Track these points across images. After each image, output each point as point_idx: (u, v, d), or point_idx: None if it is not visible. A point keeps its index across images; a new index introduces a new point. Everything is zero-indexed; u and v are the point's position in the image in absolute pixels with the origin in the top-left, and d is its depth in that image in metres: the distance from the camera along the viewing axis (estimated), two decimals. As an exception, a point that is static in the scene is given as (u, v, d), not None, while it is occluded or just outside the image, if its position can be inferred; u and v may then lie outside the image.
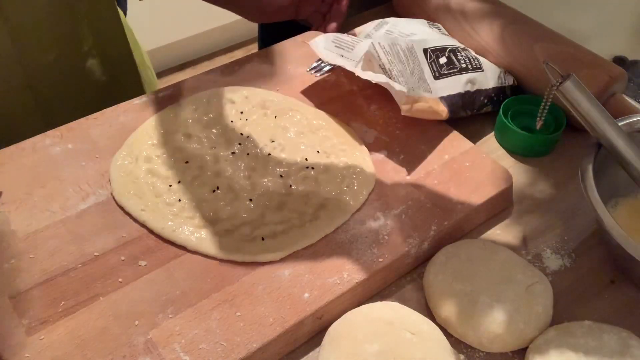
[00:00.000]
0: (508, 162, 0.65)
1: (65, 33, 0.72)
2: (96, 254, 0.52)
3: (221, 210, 0.55)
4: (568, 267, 0.56)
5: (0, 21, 0.65)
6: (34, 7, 0.68)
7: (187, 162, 0.59)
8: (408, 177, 0.60)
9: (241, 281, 0.51)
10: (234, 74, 0.71)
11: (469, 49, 0.71)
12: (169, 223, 0.54)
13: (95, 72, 0.74)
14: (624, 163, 0.55)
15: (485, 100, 0.68)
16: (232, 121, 0.64)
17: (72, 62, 0.73)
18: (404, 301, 0.52)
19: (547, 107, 0.59)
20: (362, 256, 0.53)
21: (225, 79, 0.70)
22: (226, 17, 0.82)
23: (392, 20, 0.75)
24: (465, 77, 0.67)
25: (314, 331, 0.50)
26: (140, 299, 0.49)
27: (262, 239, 0.53)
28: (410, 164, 0.61)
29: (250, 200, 0.56)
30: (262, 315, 0.48)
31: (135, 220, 0.55)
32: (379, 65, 0.61)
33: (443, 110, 0.64)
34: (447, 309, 0.50)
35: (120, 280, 0.50)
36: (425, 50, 0.66)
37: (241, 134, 0.63)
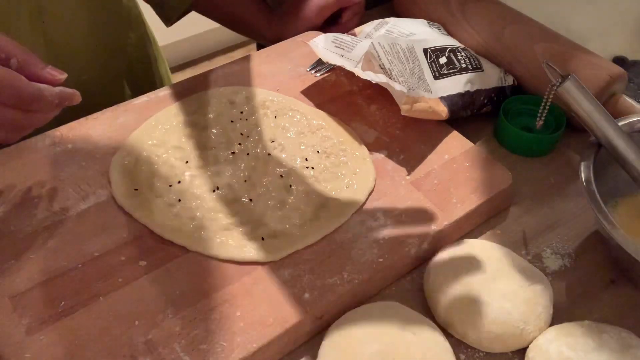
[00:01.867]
0: (508, 162, 0.65)
1: (102, 58, 0.74)
2: (96, 254, 0.52)
3: (221, 210, 0.55)
4: (568, 267, 0.56)
5: (42, 40, 0.67)
6: (75, 31, 0.69)
7: (187, 162, 0.59)
8: (408, 177, 0.60)
9: (241, 281, 0.51)
10: (234, 74, 0.71)
11: (469, 49, 0.71)
12: (169, 223, 0.54)
13: (120, 90, 0.75)
14: (624, 163, 0.55)
15: (485, 100, 0.68)
16: (232, 121, 0.64)
17: (103, 82, 0.75)
18: (404, 301, 0.52)
19: (547, 107, 0.59)
20: (362, 256, 0.53)
21: (225, 79, 0.70)
22: (226, 17, 0.83)
23: (392, 20, 0.75)
24: (465, 77, 0.67)
25: (314, 331, 0.50)
26: (140, 299, 0.49)
27: (262, 239, 0.53)
28: (410, 164, 0.61)
29: (250, 200, 0.56)
30: (262, 315, 0.48)
31: (135, 220, 0.55)
32: (379, 65, 0.61)
33: (443, 110, 0.63)
34: (447, 309, 0.50)
35: (120, 280, 0.50)
36: (425, 50, 0.66)
37: (241, 134, 0.63)
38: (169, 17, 0.81)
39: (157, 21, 0.84)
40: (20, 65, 0.47)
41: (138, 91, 0.68)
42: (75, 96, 0.50)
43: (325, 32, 0.73)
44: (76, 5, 0.68)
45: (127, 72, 0.79)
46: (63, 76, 0.49)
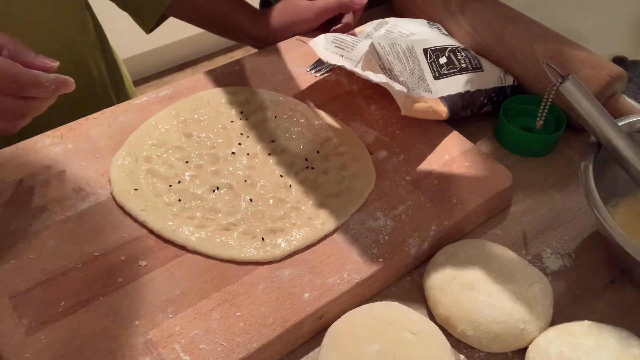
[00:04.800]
0: (508, 162, 0.65)
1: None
2: (96, 254, 0.52)
3: (221, 210, 0.55)
4: (568, 267, 0.56)
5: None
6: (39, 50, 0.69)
7: (187, 162, 0.59)
8: (408, 177, 0.60)
9: (241, 281, 0.51)
10: (234, 74, 0.71)
11: (469, 49, 0.71)
12: (169, 223, 0.54)
13: (82, 108, 0.74)
14: (624, 163, 0.55)
15: (485, 100, 0.68)
16: (232, 121, 0.64)
17: (65, 100, 0.74)
18: (404, 301, 0.52)
19: (547, 107, 0.59)
20: (362, 256, 0.53)
21: (225, 79, 0.70)
22: (226, 17, 0.82)
23: (392, 20, 0.75)
24: (465, 77, 0.67)
25: (314, 331, 0.50)
26: (140, 299, 0.49)
27: (262, 239, 0.53)
28: (410, 164, 0.61)
29: (250, 200, 0.56)
30: (262, 315, 0.48)
31: (135, 220, 0.55)
32: (379, 65, 0.61)
33: (443, 110, 0.63)
34: (447, 309, 0.50)
35: (120, 280, 0.50)
36: (425, 50, 0.66)
37: (241, 134, 0.63)
38: (147, 24, 0.81)
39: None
40: (12, 55, 0.47)
41: (100, 108, 0.67)
42: (70, 82, 0.50)
43: (323, 32, 0.73)
44: (40, 27, 0.68)
45: (90, 91, 0.79)
46: (55, 63, 0.49)
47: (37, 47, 0.51)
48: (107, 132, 0.63)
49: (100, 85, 0.80)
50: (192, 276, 0.51)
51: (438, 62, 0.66)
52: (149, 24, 0.81)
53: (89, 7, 0.79)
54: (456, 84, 0.66)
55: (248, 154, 0.61)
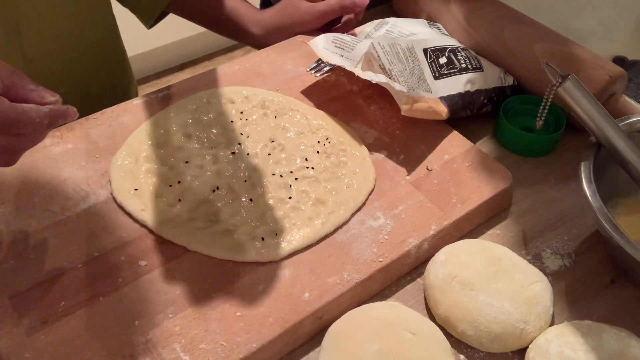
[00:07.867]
0: (508, 162, 0.65)
1: (80, 71, 0.73)
2: (96, 254, 0.52)
3: (221, 210, 0.55)
4: (568, 267, 0.56)
5: (20, 57, 0.66)
6: (53, 46, 0.69)
7: (187, 162, 0.59)
8: (408, 177, 0.60)
9: (241, 281, 0.51)
10: (234, 74, 0.71)
11: (469, 49, 0.71)
12: (169, 223, 0.54)
13: (98, 101, 0.73)
14: (624, 163, 0.55)
15: (485, 100, 0.68)
16: (232, 121, 0.64)
17: (82, 94, 0.73)
18: (404, 301, 0.52)
19: (547, 107, 0.59)
20: (362, 256, 0.53)
21: (225, 79, 0.70)
22: (226, 17, 0.82)
23: (392, 20, 0.75)
24: (465, 77, 0.67)
25: (314, 331, 0.50)
26: (140, 299, 0.49)
27: (262, 239, 0.53)
28: (410, 164, 0.61)
29: (251, 200, 0.56)
30: (262, 315, 0.48)
31: (135, 220, 0.55)
32: (379, 65, 0.61)
33: (443, 110, 0.63)
34: (447, 309, 0.50)
35: (120, 280, 0.50)
36: (425, 50, 0.66)
37: (241, 134, 0.63)
38: (148, 20, 0.81)
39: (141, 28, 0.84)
40: (7, 88, 0.45)
41: (113, 102, 0.67)
42: (70, 112, 0.47)
43: (323, 32, 0.73)
44: (53, 21, 0.68)
45: (106, 83, 0.79)
46: (53, 98, 0.46)
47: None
48: (107, 132, 0.63)
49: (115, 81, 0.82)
50: (192, 276, 0.51)
51: (438, 62, 0.66)
52: (149, 20, 0.81)
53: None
54: (456, 84, 0.66)
55: (248, 154, 0.61)
